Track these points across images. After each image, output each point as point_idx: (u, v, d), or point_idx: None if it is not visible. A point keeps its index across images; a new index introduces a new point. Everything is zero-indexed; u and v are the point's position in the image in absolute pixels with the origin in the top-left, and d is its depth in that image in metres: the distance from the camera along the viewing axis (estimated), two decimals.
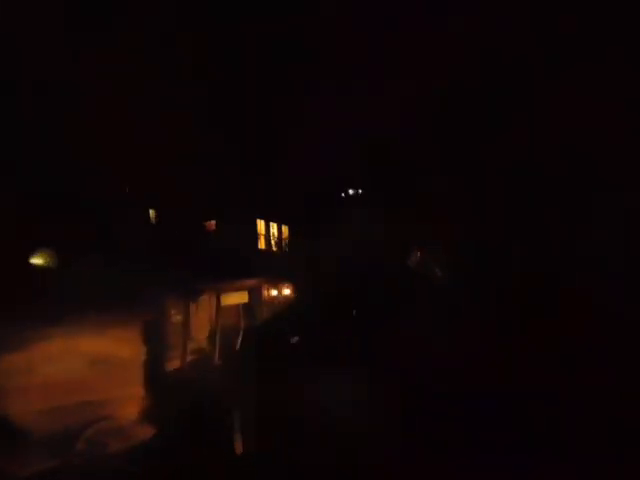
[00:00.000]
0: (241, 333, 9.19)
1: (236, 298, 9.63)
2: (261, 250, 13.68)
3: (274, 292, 11.61)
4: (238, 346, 8.97)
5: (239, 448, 6.87)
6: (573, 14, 8.10)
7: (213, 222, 12.67)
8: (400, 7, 8.89)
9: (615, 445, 5.45)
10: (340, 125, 10.22)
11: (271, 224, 14.34)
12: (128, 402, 7.38)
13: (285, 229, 14.96)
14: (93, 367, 7.18)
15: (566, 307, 7.17)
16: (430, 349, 6.95)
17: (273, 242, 14.38)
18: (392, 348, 7.35)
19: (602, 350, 6.61)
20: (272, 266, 12.54)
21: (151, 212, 11.51)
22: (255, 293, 10.14)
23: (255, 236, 13.56)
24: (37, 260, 9.10)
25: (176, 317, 8.86)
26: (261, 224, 14.00)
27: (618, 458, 5.30)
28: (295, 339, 8.80)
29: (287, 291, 12.07)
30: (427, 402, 6.45)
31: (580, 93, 8.06)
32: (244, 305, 9.75)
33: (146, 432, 7.23)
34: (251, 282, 10.01)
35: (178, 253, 10.12)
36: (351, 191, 13.91)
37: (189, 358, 8.72)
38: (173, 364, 8.43)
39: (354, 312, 9.34)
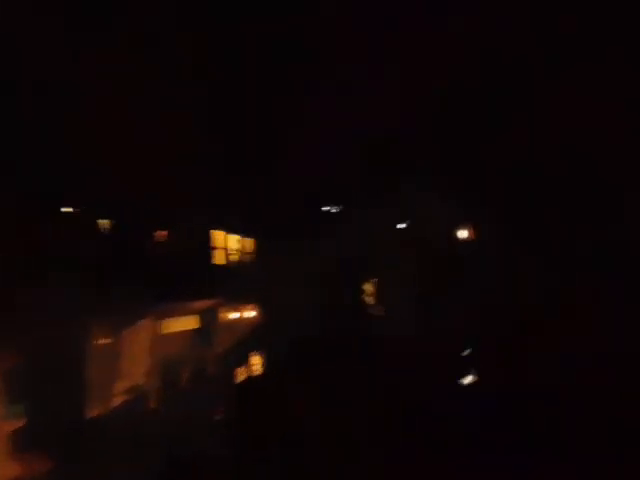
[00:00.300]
0: (191, 365, 7.88)
1: (185, 323, 8.22)
2: (220, 266, 11.67)
3: (234, 315, 10.17)
4: (186, 382, 7.73)
5: None
6: (573, 14, 8.09)
7: (164, 233, 10.72)
8: (400, 7, 8.87)
9: (615, 445, 5.45)
10: (331, 131, 10.13)
11: (232, 236, 12.31)
12: None
13: (250, 243, 12.88)
14: None
15: (566, 307, 7.17)
16: (430, 349, 6.96)
17: (235, 257, 12.36)
18: (391, 349, 7.36)
19: (602, 350, 6.61)
20: (233, 285, 10.74)
21: (104, 222, 9.78)
22: (210, 316, 8.78)
23: (212, 249, 11.55)
24: None
25: (107, 348, 7.07)
26: (220, 236, 11.95)
27: (618, 458, 5.29)
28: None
29: (251, 313, 10.67)
30: (427, 402, 6.45)
31: (580, 93, 8.06)
32: (196, 331, 8.35)
33: None
34: (205, 303, 8.66)
35: (119, 269, 8.35)
36: (327, 208, 13.29)
37: (118, 401, 6.92)
38: (93, 412, 6.54)
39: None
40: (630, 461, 5.27)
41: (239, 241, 12.51)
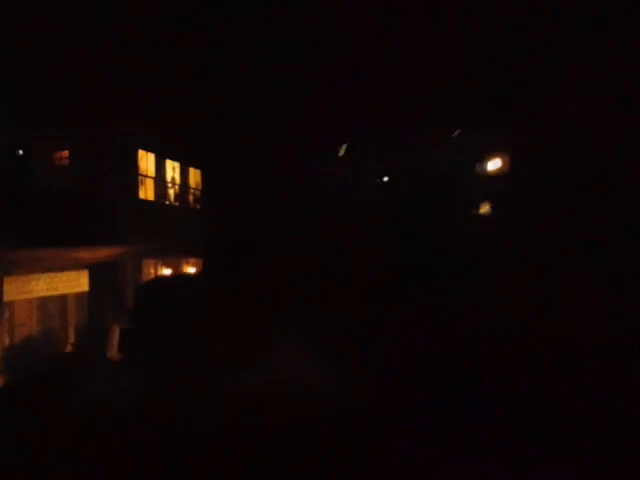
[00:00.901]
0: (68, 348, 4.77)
1: (63, 283, 5.06)
2: (146, 202, 8.51)
3: (166, 271, 7.45)
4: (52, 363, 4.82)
5: None
6: (573, 14, 8.12)
7: (66, 152, 8.06)
8: (400, 7, 8.91)
9: (615, 445, 5.42)
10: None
11: (169, 163, 9.06)
12: None
13: (195, 174, 9.73)
14: None
15: (566, 306, 7.15)
16: (428, 345, 6.92)
17: (172, 192, 9.19)
18: (388, 344, 7.31)
19: (602, 350, 6.59)
20: (167, 229, 7.87)
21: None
22: (116, 272, 5.79)
23: (135, 178, 8.33)
24: None
25: None
26: (148, 159, 8.65)
27: (618, 458, 5.26)
28: None
29: (191, 270, 7.90)
30: (426, 400, 6.42)
31: (580, 93, 8.06)
32: (88, 294, 5.03)
33: None
34: (103, 252, 5.48)
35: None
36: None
37: None
38: None
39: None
40: (630, 461, 5.23)
41: (183, 171, 9.17)
